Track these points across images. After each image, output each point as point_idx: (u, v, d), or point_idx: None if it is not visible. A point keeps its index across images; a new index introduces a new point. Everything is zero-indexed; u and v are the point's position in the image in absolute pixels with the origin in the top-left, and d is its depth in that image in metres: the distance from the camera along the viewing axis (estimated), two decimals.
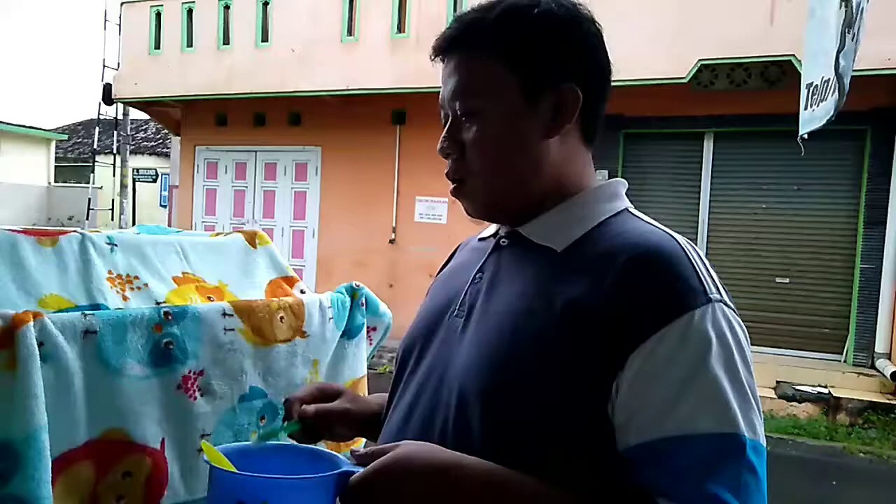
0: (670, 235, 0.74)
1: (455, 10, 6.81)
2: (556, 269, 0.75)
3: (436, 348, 0.83)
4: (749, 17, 5.75)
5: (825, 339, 6.30)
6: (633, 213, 0.82)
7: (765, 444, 0.67)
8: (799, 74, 3.42)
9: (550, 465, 0.68)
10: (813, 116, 2.99)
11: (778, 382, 5.86)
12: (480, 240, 0.93)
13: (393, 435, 0.81)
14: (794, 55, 5.38)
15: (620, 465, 0.67)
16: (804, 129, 3.09)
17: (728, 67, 6.23)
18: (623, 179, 0.88)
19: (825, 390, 5.72)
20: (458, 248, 1.02)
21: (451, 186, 0.85)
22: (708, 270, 0.71)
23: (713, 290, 0.69)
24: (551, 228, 0.80)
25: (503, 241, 0.85)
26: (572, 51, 0.80)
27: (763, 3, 5.73)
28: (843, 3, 2.57)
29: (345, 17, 7.51)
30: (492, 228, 0.92)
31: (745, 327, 0.71)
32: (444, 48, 0.83)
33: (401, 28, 7.23)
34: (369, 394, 1.76)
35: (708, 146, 6.65)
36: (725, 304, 0.69)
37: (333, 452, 0.73)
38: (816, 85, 2.94)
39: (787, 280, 6.42)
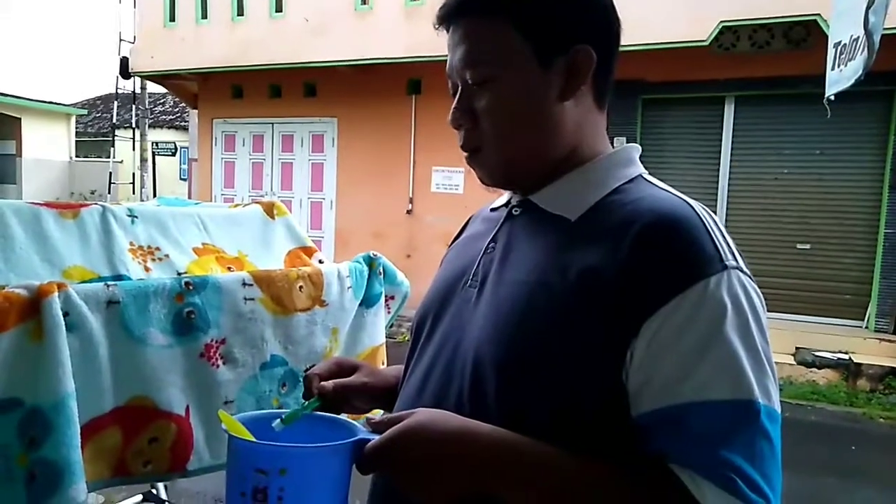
0: (685, 201, 0.73)
1: None
2: (569, 239, 0.75)
3: (450, 318, 0.83)
4: None
5: (846, 305, 6.23)
6: (647, 180, 0.80)
7: (779, 411, 0.67)
8: (824, 34, 3.32)
9: (565, 432, 0.68)
10: (840, 77, 2.91)
11: (797, 349, 5.82)
12: (492, 210, 0.93)
13: (408, 403, 0.82)
14: (819, 14, 5.22)
15: (634, 431, 0.67)
16: (831, 90, 3.00)
17: (750, 28, 6.07)
18: (637, 145, 0.85)
19: (845, 356, 5.67)
20: (470, 218, 1.02)
21: (466, 156, 0.84)
22: (724, 236, 0.70)
23: (729, 256, 0.68)
24: (564, 196, 0.79)
25: (515, 211, 0.84)
26: (584, 10, 0.78)
27: None
28: None
29: None
30: (504, 198, 0.91)
31: (761, 294, 0.70)
32: (452, 15, 0.81)
33: None
34: (388, 362, 1.79)
35: (729, 110, 6.52)
36: (741, 271, 0.69)
37: (351, 420, 0.74)
38: (845, 44, 2.85)
39: (808, 246, 6.33)
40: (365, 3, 7.40)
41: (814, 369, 5.67)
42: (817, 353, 5.72)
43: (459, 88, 0.82)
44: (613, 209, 0.74)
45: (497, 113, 0.78)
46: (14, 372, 0.87)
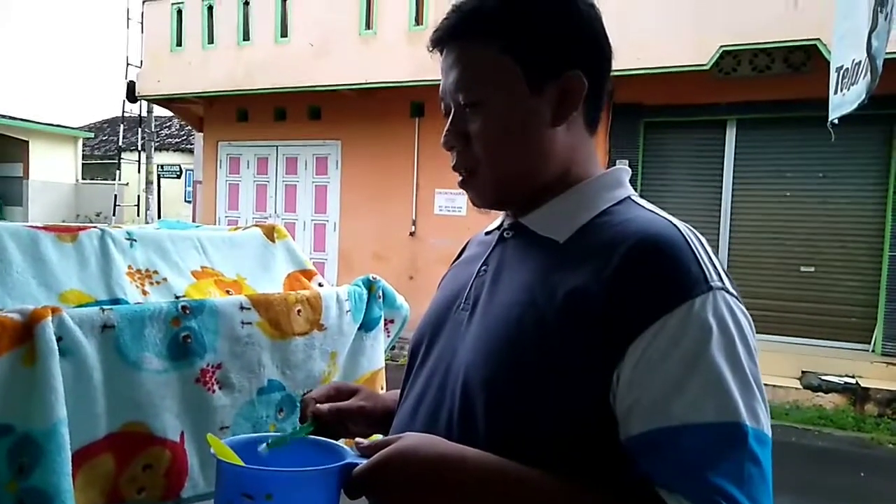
0: (671, 223, 0.73)
1: None
2: (558, 260, 0.75)
3: (443, 342, 0.84)
4: (771, 1, 5.63)
5: (852, 328, 6.19)
6: (635, 201, 0.81)
7: (769, 434, 0.66)
8: (824, 59, 3.34)
9: (553, 455, 0.68)
10: (843, 101, 2.91)
11: (803, 372, 5.77)
12: (486, 233, 0.94)
13: (402, 427, 0.82)
14: (819, 39, 5.26)
15: (622, 455, 0.67)
16: (834, 114, 3.01)
17: (750, 53, 6.11)
18: (626, 167, 0.87)
19: (852, 380, 5.62)
20: (467, 242, 1.03)
21: (459, 179, 0.85)
22: (710, 257, 0.70)
23: (714, 277, 0.68)
24: (554, 219, 0.80)
25: (507, 233, 0.85)
26: (575, 36, 0.79)
27: None
28: None
29: (362, 10, 7.51)
30: (496, 221, 0.92)
31: (749, 315, 0.70)
32: (444, 39, 0.82)
33: (418, 20, 7.21)
34: (388, 385, 1.78)
35: (730, 134, 6.55)
36: (727, 292, 0.68)
37: (340, 444, 0.73)
38: (847, 68, 2.86)
39: (812, 269, 6.31)
40: (369, 28, 7.49)
41: (820, 393, 5.61)
42: (824, 377, 5.67)
43: (452, 111, 0.83)
44: (601, 231, 0.75)
45: (487, 136, 0.79)
46: (6, 397, 0.86)
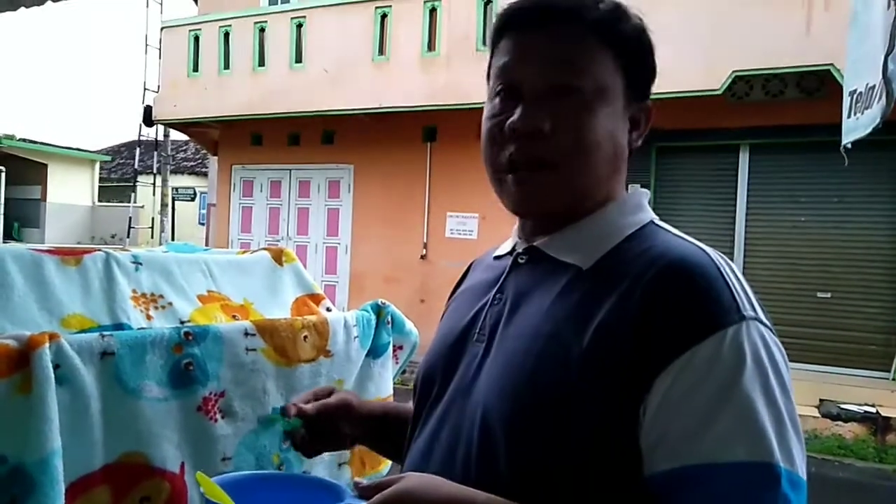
0: (700, 248, 0.70)
1: (484, 29, 6.84)
2: (581, 289, 0.71)
3: (456, 377, 0.79)
4: (784, 26, 5.63)
5: (871, 355, 6.06)
6: (658, 225, 0.78)
7: (804, 477, 0.62)
8: (838, 84, 3.32)
9: (576, 493, 0.64)
10: (857, 125, 2.88)
11: (821, 401, 5.64)
12: (496, 258, 0.89)
13: (414, 466, 0.78)
14: (832, 64, 5.24)
15: (646, 492, 0.63)
16: (847, 139, 2.98)
17: (763, 78, 6.10)
18: (645, 190, 0.84)
19: (872, 409, 5.48)
20: (470, 266, 0.99)
21: (517, 173, 0.75)
22: (742, 286, 0.66)
23: (747, 306, 0.64)
24: (574, 244, 0.76)
25: (521, 259, 0.81)
26: (654, 67, 0.80)
27: (799, 13, 5.60)
28: (892, 3, 2.47)
29: (376, 37, 7.59)
30: (507, 245, 0.87)
31: (783, 348, 0.66)
32: (552, 13, 0.74)
33: (431, 47, 7.27)
34: None
35: (743, 158, 6.51)
36: (761, 322, 0.65)
37: (338, 483, 0.70)
38: (860, 92, 2.84)
39: (828, 295, 6.21)
40: (382, 54, 7.56)
41: (839, 422, 5.48)
42: (843, 406, 5.54)
43: (527, 95, 0.74)
44: (627, 257, 0.71)
45: (586, 129, 0.73)
46: (0, 426, 0.84)
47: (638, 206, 0.79)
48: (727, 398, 0.60)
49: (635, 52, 0.77)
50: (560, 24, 0.74)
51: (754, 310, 0.65)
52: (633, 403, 0.63)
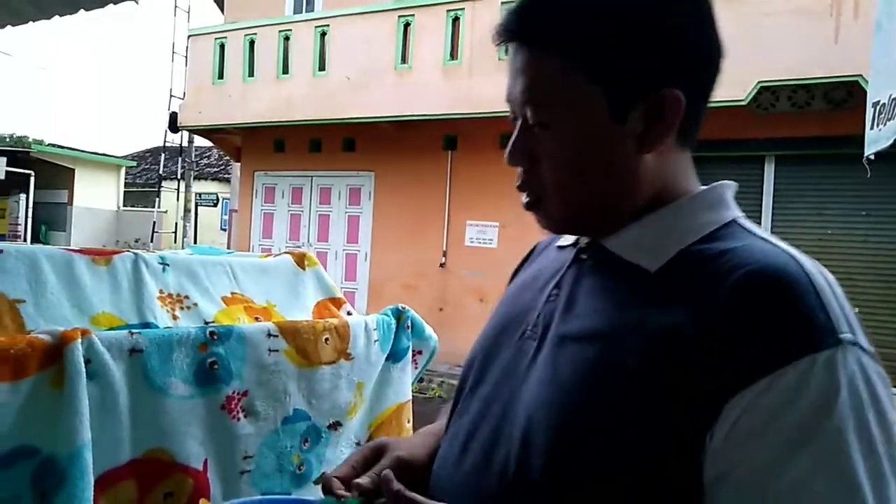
0: (791, 255, 0.60)
1: None
2: (646, 293, 0.64)
3: (500, 371, 0.73)
4: (812, 37, 5.58)
5: None
6: (743, 226, 0.67)
7: None
8: (866, 95, 3.28)
9: None
10: (880, 136, 2.86)
11: None
12: (560, 247, 0.81)
13: (449, 464, 0.74)
14: (860, 76, 5.17)
15: None
16: (870, 150, 2.95)
17: (790, 89, 6.04)
18: (731, 182, 0.72)
19: None
20: (535, 247, 0.91)
21: (524, 200, 0.73)
22: (840, 303, 0.58)
23: (845, 328, 0.55)
24: (643, 243, 0.67)
25: (583, 255, 0.74)
26: (669, 45, 0.64)
27: (827, 23, 5.55)
28: None
29: (398, 45, 7.65)
30: (571, 236, 0.80)
31: (888, 381, 0.56)
32: (509, 37, 0.70)
33: (453, 55, 7.31)
34: (414, 419, 1.74)
35: (769, 170, 6.44)
36: (862, 349, 0.55)
37: None
38: (883, 103, 2.81)
39: (856, 310, 6.07)
40: (405, 62, 7.62)
41: None
42: None
43: (519, 123, 0.71)
44: (701, 261, 0.63)
45: (557, 164, 0.68)
46: (33, 419, 0.86)
47: (719, 202, 0.69)
48: (813, 436, 0.52)
49: (610, 53, 0.64)
50: (524, 46, 0.69)
51: (853, 333, 0.56)
52: (698, 428, 0.56)
